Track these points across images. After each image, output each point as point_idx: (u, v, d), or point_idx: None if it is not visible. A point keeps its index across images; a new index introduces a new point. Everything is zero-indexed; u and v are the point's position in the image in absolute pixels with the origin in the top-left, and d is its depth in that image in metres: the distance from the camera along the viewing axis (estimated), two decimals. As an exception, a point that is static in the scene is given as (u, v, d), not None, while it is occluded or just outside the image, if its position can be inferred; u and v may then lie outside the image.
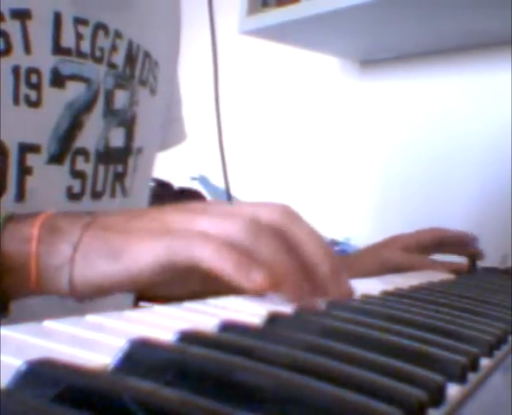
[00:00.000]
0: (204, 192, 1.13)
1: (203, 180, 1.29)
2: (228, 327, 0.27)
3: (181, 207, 0.44)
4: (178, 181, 0.95)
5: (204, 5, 0.73)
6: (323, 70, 1.38)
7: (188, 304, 0.34)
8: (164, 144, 0.78)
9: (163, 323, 0.29)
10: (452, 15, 0.99)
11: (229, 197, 0.80)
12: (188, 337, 0.24)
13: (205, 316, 0.31)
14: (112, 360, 0.21)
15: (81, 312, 0.30)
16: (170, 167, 0.85)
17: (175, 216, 0.42)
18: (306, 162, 1.38)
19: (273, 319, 0.31)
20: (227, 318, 0.28)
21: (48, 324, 0.26)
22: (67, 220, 0.43)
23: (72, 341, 0.24)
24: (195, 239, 0.40)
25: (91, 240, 0.42)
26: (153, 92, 0.67)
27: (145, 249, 0.40)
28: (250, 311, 0.34)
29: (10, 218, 0.43)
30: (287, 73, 1.45)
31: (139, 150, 0.65)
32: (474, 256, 0.80)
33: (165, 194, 0.90)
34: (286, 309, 0.34)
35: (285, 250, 0.40)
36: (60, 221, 0.43)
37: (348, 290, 0.42)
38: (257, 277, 0.38)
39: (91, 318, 0.29)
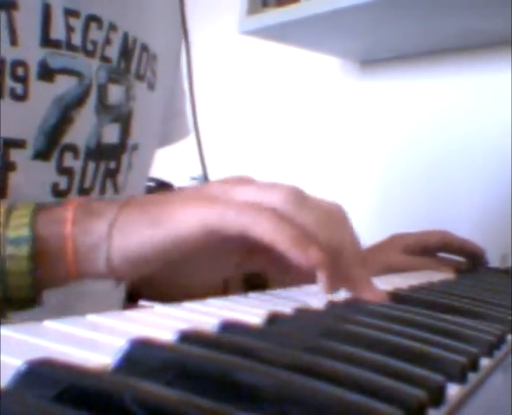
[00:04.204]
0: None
1: (203, 180, 1.28)
2: (228, 327, 0.27)
3: (218, 180, 0.44)
4: (178, 181, 0.95)
5: (203, 5, 0.73)
6: (323, 70, 1.38)
7: (188, 304, 0.34)
8: (167, 140, 0.76)
9: (163, 323, 0.29)
10: (452, 15, 0.99)
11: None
12: (188, 337, 0.24)
13: (205, 316, 0.31)
14: (112, 360, 0.21)
15: (62, 311, 0.30)
16: (170, 167, 0.85)
17: (215, 187, 0.42)
18: (306, 163, 1.38)
19: (273, 319, 0.31)
20: (227, 318, 0.28)
21: (48, 324, 0.26)
22: (102, 203, 0.43)
23: (72, 341, 0.24)
24: (246, 208, 0.40)
25: (128, 214, 0.42)
26: (151, 86, 0.65)
27: (190, 213, 0.40)
28: (250, 311, 0.34)
29: (41, 206, 0.43)
30: (287, 73, 1.45)
31: (135, 147, 0.64)
32: (474, 256, 0.79)
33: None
34: (286, 309, 0.34)
35: (326, 220, 0.41)
36: (95, 204, 0.43)
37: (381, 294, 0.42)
38: (314, 254, 0.39)
39: (91, 318, 0.29)
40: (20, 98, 0.52)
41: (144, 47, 0.63)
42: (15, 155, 0.52)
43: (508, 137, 1.02)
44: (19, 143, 0.53)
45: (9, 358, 0.20)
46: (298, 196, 0.41)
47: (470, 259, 0.79)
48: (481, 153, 1.10)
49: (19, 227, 0.41)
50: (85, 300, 0.58)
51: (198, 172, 1.33)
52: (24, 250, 0.41)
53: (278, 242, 0.39)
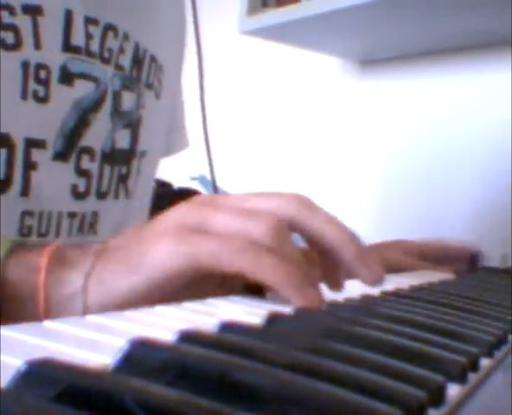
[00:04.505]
0: (204, 192, 1.13)
1: (203, 180, 1.28)
2: (228, 327, 0.27)
3: (191, 201, 0.41)
4: (178, 181, 0.95)
5: (201, 6, 0.73)
6: (323, 70, 1.38)
7: (188, 304, 0.34)
8: (168, 151, 0.78)
9: (163, 323, 0.29)
10: (452, 15, 0.99)
11: (216, 191, 0.80)
12: (188, 337, 0.24)
13: (205, 316, 0.31)
14: (112, 360, 0.21)
15: None
16: (170, 167, 0.85)
17: (189, 214, 0.40)
18: (306, 163, 1.38)
19: (273, 319, 0.30)
20: (227, 318, 0.28)
21: (48, 324, 0.26)
22: (77, 251, 0.42)
23: (72, 341, 0.24)
24: (242, 248, 0.37)
25: (104, 263, 0.40)
26: (158, 96, 0.67)
27: (167, 252, 0.38)
28: (250, 311, 0.34)
29: (15, 246, 0.42)
30: (287, 73, 1.45)
31: (143, 154, 0.66)
32: (474, 256, 0.80)
33: (165, 194, 0.90)
34: (286, 309, 0.34)
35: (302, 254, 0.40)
36: (70, 253, 0.41)
37: (378, 271, 0.41)
38: (314, 296, 0.37)
39: (91, 318, 0.29)
40: (42, 100, 0.53)
41: (153, 58, 0.65)
42: (36, 155, 0.54)
43: (508, 137, 1.02)
44: (40, 144, 0.54)
45: (9, 358, 0.20)
46: (277, 228, 0.39)
47: (469, 261, 0.80)
48: (480, 153, 1.10)
49: None
50: None
51: (198, 172, 1.33)
52: None
53: (279, 286, 0.37)
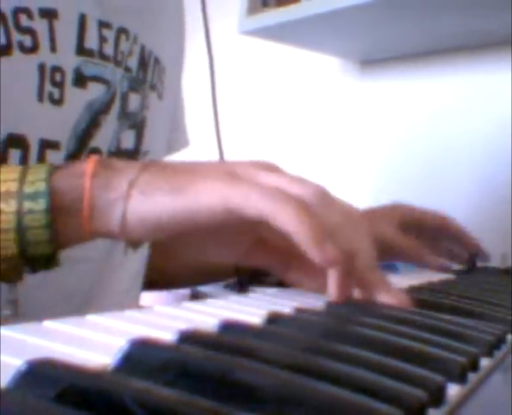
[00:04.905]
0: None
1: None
2: (228, 327, 0.27)
3: (243, 162, 0.43)
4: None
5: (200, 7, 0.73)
6: (323, 70, 1.38)
7: (188, 304, 0.34)
8: (169, 150, 0.79)
9: (163, 323, 0.29)
10: (452, 15, 0.99)
11: None
12: (188, 337, 0.24)
13: (205, 316, 0.31)
14: (111, 360, 0.21)
15: (84, 310, 0.30)
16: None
17: (239, 167, 0.42)
18: (306, 163, 1.38)
19: (273, 319, 0.31)
20: (227, 318, 0.28)
21: (48, 324, 0.26)
22: (123, 162, 0.43)
23: (72, 341, 0.24)
24: (272, 193, 0.39)
25: (149, 177, 0.41)
26: (160, 96, 0.68)
27: (214, 187, 0.40)
28: (250, 311, 0.34)
29: (58, 164, 0.43)
30: (287, 73, 1.45)
31: (146, 154, 0.66)
32: (474, 254, 0.79)
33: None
34: (286, 309, 0.34)
35: (346, 222, 0.41)
36: (116, 162, 0.43)
37: (402, 298, 0.41)
38: (330, 251, 0.38)
39: (91, 318, 0.29)
40: (57, 102, 0.54)
41: (157, 60, 0.66)
42: (50, 156, 0.55)
43: (508, 137, 1.02)
44: (54, 145, 0.55)
45: (9, 358, 0.20)
46: (324, 194, 0.41)
47: (468, 253, 0.79)
48: (480, 153, 1.10)
49: (36, 183, 0.41)
50: (105, 298, 0.60)
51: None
52: (42, 203, 0.40)
53: (298, 234, 0.38)
